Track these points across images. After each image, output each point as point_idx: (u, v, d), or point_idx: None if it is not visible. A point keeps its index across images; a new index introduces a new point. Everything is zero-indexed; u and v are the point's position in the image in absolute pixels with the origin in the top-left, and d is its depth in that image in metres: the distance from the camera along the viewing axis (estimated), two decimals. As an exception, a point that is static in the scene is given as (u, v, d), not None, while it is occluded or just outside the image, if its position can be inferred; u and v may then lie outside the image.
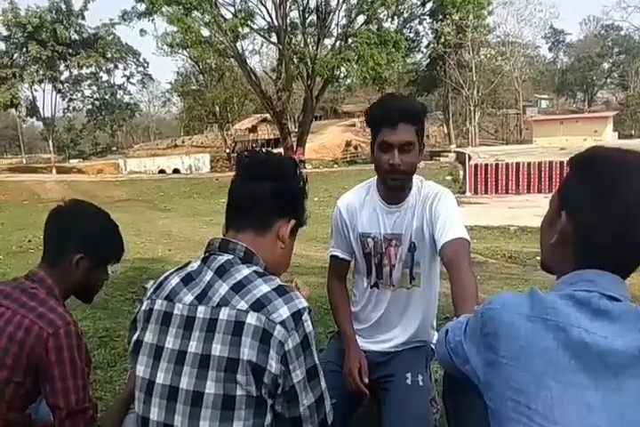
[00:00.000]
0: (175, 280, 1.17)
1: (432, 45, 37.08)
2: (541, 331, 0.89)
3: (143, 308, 1.18)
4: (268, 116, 35.54)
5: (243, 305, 1.07)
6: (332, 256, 1.91)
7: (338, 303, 1.90)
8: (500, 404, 0.91)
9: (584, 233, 0.96)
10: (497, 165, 17.39)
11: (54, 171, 31.54)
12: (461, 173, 19.52)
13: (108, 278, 1.57)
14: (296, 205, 1.27)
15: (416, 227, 1.73)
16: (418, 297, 1.81)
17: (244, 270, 1.13)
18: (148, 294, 1.21)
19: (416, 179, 1.76)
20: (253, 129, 43.76)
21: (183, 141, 51.02)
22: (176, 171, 33.92)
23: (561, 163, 16.58)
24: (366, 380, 1.69)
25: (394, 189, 1.71)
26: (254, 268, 1.15)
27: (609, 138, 30.96)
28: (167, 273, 1.22)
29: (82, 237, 1.44)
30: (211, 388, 1.05)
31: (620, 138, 32.24)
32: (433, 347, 1.88)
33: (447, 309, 3.98)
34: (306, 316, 1.10)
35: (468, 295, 1.44)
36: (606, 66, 54.41)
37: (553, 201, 1.05)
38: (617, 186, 0.94)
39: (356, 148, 42.32)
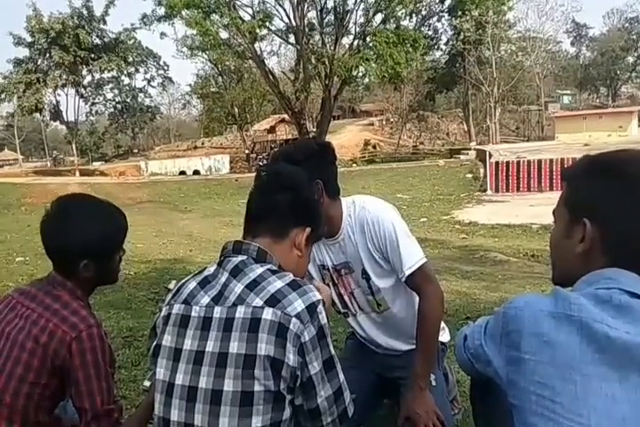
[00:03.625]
0: (192, 285, 1.20)
1: (451, 42, 36.78)
2: (565, 326, 0.90)
3: (162, 314, 1.21)
4: (286, 116, 35.65)
5: (258, 302, 1.09)
6: None
7: None
8: (524, 399, 0.92)
9: (617, 236, 0.97)
10: (518, 162, 17.12)
11: (77, 173, 32.10)
12: (482, 170, 19.26)
13: (125, 253, 1.53)
14: (311, 214, 1.30)
15: (363, 255, 1.72)
16: (397, 315, 1.80)
17: (258, 269, 1.16)
18: (167, 300, 1.23)
19: (347, 203, 1.76)
20: (272, 130, 43.92)
21: (203, 143, 51.43)
22: (196, 172, 34.22)
23: (584, 159, 16.26)
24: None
25: None
26: (268, 266, 1.17)
27: (634, 133, 30.25)
28: (185, 279, 1.25)
29: (78, 248, 1.38)
30: (229, 385, 1.06)
31: (645, 133, 31.46)
32: (443, 342, 1.89)
33: (467, 308, 3.96)
34: (320, 308, 1.12)
35: (428, 324, 1.67)
36: (631, 60, 53.10)
37: (560, 213, 1.06)
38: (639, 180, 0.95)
39: (374, 147, 42.17)
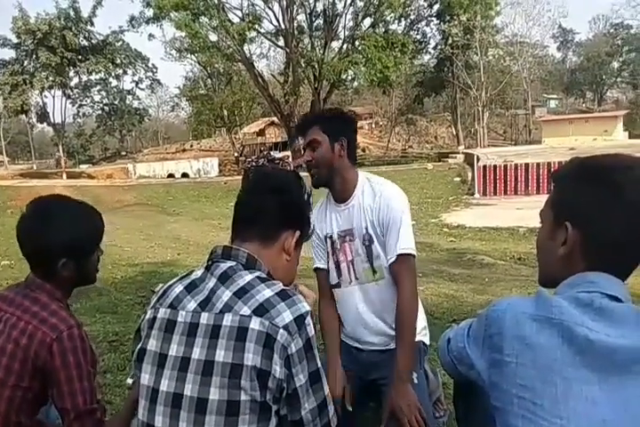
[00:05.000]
0: (179, 288, 1.18)
1: (439, 47, 36.94)
2: (546, 329, 0.91)
3: (147, 317, 1.20)
4: (275, 119, 35.63)
5: (246, 311, 1.08)
6: (314, 269, 1.97)
7: (326, 328, 1.93)
8: (506, 402, 0.93)
9: (597, 239, 0.98)
10: (506, 166, 17.26)
11: (64, 176, 31.78)
12: (470, 174, 19.37)
13: (103, 252, 1.54)
14: (301, 217, 1.29)
15: (370, 221, 1.80)
16: (388, 288, 1.82)
17: (247, 276, 1.14)
18: (152, 303, 1.22)
19: (363, 176, 1.87)
20: (261, 132, 43.88)
21: (192, 145, 51.21)
22: (185, 175, 34.01)
23: (570, 163, 16.45)
24: (349, 408, 1.74)
25: (316, 184, 1.84)
26: (257, 273, 1.16)
27: (619, 137, 30.63)
28: (171, 282, 1.23)
29: (57, 246, 1.38)
30: (215, 394, 1.05)
31: (630, 137, 31.84)
32: (425, 343, 1.90)
33: (454, 311, 3.98)
34: (308, 320, 1.11)
35: (405, 313, 1.73)
36: (616, 65, 53.71)
37: (545, 215, 1.07)
38: (624, 187, 0.96)
39: (363, 150, 42.25)
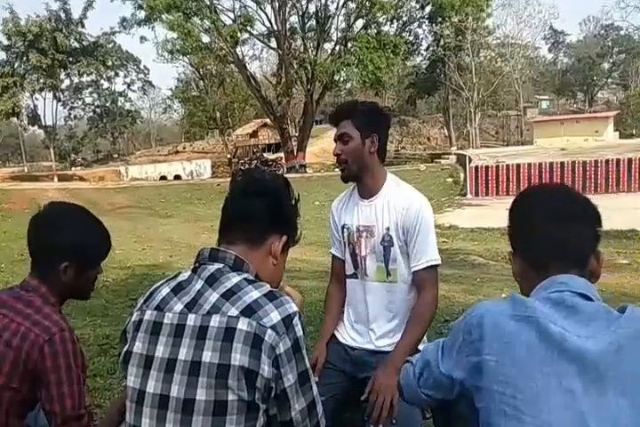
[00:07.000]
0: (165, 290, 1.18)
1: (431, 48, 37.13)
2: (525, 327, 0.95)
3: (133, 319, 1.19)
4: (268, 120, 35.58)
5: (233, 312, 1.08)
6: (332, 255, 2.01)
7: (329, 307, 1.97)
8: (488, 400, 0.95)
9: (520, 246, 1.16)
10: (497, 166, 17.32)
11: (56, 179, 31.57)
12: (462, 175, 19.43)
13: (102, 272, 1.57)
14: (288, 221, 1.30)
15: (395, 223, 1.80)
16: (398, 292, 1.83)
17: (234, 278, 1.15)
18: (138, 305, 1.22)
19: (390, 178, 1.89)
20: (254, 134, 43.78)
21: (184, 147, 51.01)
22: (177, 177, 33.90)
23: (562, 164, 16.53)
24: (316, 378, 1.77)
25: (345, 179, 1.88)
26: (244, 275, 1.16)
27: (610, 138, 30.86)
28: (158, 284, 1.23)
29: (65, 246, 1.42)
30: (202, 395, 1.05)
31: (620, 137, 32.09)
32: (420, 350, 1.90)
33: (445, 311, 3.99)
34: (296, 320, 1.11)
35: (421, 314, 1.76)
36: (606, 66, 54.16)
37: None
38: (534, 212, 1.13)
39: (356, 151, 42.22)
